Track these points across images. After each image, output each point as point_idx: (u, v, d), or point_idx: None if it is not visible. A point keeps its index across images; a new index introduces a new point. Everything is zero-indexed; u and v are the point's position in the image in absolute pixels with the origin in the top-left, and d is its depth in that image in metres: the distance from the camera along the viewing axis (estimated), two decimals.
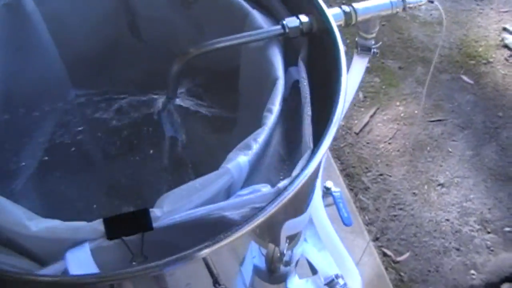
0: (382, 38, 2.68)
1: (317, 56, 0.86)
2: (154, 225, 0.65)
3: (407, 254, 1.98)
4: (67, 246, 0.65)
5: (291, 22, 0.85)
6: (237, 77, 0.93)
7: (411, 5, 0.97)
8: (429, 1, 1.01)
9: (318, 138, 0.73)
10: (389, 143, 2.30)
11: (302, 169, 0.69)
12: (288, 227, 0.79)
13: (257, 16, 0.89)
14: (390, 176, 2.20)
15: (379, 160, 2.23)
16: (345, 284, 1.06)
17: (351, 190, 2.13)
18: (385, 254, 1.97)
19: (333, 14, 0.88)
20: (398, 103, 2.44)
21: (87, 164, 1.04)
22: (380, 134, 2.33)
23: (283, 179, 0.74)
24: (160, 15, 0.99)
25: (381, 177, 2.18)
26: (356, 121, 2.36)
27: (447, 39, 2.72)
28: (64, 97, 1.04)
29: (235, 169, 0.70)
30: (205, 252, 0.59)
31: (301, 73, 0.83)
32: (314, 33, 0.86)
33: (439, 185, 2.18)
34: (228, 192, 0.72)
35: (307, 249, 1.08)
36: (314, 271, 1.17)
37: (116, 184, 1.03)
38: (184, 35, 1.01)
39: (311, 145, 0.75)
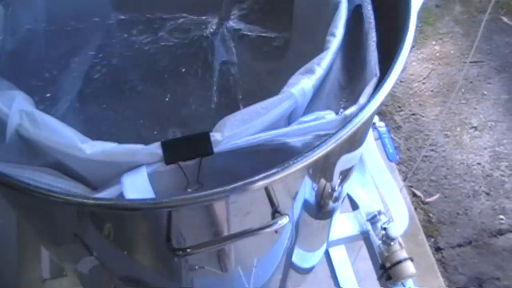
0: None
1: None
2: (215, 149, 0.61)
3: (436, 196, 1.96)
4: (122, 170, 0.62)
5: None
6: (293, 1, 0.87)
7: None
8: None
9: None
10: (423, 83, 2.24)
11: (371, 97, 0.65)
12: (344, 161, 0.75)
13: None
14: (423, 116, 2.14)
15: (412, 100, 2.17)
16: (388, 221, 1.03)
17: None
18: (414, 195, 1.94)
19: None
20: (434, 42, 2.36)
21: (129, 91, 1.00)
22: (414, 73, 2.26)
23: (344, 108, 0.70)
24: None
25: (414, 116, 2.13)
26: None
27: None
28: (105, 20, 0.98)
29: (298, 93, 0.65)
30: (275, 178, 0.55)
31: None
32: None
33: (472, 127, 2.13)
34: (288, 120, 0.68)
35: (350, 184, 1.05)
36: (354, 206, 1.14)
37: (159, 112, 0.99)
38: None
39: (378, 72, 0.70)
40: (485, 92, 2.22)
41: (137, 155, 0.61)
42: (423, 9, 2.46)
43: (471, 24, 2.42)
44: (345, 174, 0.84)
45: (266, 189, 0.62)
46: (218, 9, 0.82)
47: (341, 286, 1.26)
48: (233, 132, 0.62)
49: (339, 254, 1.30)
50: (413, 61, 2.29)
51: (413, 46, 2.31)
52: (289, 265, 1.00)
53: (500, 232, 1.88)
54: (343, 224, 1.12)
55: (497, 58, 2.32)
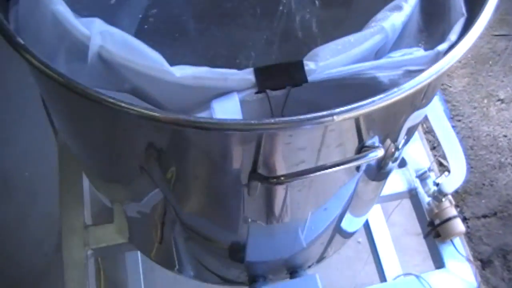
0: None
1: None
2: (309, 78, 0.60)
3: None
4: (212, 96, 0.61)
5: None
6: None
7: None
8: None
9: None
10: None
11: (462, 34, 0.63)
12: (414, 117, 0.74)
13: None
14: (450, 86, 2.13)
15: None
16: (441, 176, 1.03)
17: None
18: (441, 164, 1.94)
19: None
20: None
21: (185, 32, 0.98)
22: None
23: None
24: None
25: (441, 86, 2.11)
26: None
27: None
28: None
29: (390, 28, 0.64)
30: (373, 108, 0.54)
31: None
32: None
33: (498, 100, 2.12)
34: (375, 57, 0.67)
35: None
36: (402, 163, 1.14)
37: (215, 54, 0.97)
38: None
39: (465, 12, 0.69)
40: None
41: (229, 80, 0.60)
42: None
43: None
44: (410, 134, 0.83)
45: (357, 120, 0.61)
46: None
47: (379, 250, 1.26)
48: (327, 61, 0.61)
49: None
50: None
51: None
52: (338, 227, 0.99)
53: None
54: (391, 181, 1.11)
55: None
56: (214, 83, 0.60)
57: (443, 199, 1.02)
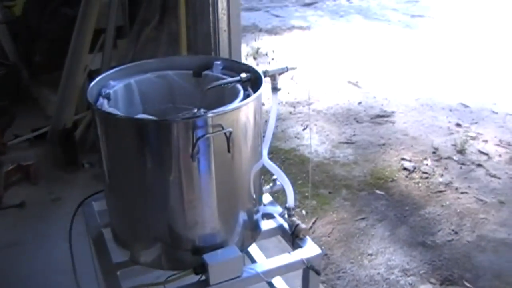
0: (314, 178, 3.67)
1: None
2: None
3: None
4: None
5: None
6: None
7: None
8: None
9: None
10: (329, 236, 3.13)
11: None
12: None
13: None
14: (333, 254, 2.98)
15: (323, 247, 3.02)
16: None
17: None
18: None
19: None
20: (331, 213, 3.32)
21: None
22: (322, 232, 3.16)
23: None
24: None
25: (325, 256, 2.96)
26: None
27: (361, 171, 3.73)
28: None
29: None
30: None
31: None
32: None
33: (369, 254, 2.96)
34: None
35: None
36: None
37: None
38: None
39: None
40: (373, 233, 3.12)
41: None
42: (320, 196, 3.49)
43: (356, 198, 3.44)
44: None
45: None
46: None
47: None
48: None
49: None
50: (319, 226, 3.21)
51: (317, 218, 3.27)
52: None
53: None
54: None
55: (377, 214, 3.28)
56: None
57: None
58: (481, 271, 2.83)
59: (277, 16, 8.13)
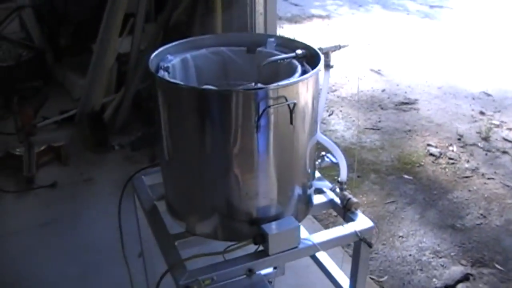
0: None
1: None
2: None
3: (385, 277, 2.73)
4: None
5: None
6: None
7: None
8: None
9: None
10: None
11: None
12: None
13: None
14: None
15: None
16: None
17: None
18: (371, 278, 2.72)
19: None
20: (361, 196, 3.36)
21: None
22: None
23: None
24: None
25: None
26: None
27: (388, 156, 3.76)
28: None
29: None
30: None
31: None
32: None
33: (399, 236, 3.01)
34: None
35: None
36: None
37: None
38: None
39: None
40: (403, 216, 3.16)
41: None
42: (349, 179, 3.52)
43: (385, 183, 3.48)
44: None
45: None
46: None
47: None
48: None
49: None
50: None
51: None
52: None
53: None
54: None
55: (405, 198, 3.32)
56: None
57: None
58: (511, 254, 2.87)
59: (296, 5, 8.13)
